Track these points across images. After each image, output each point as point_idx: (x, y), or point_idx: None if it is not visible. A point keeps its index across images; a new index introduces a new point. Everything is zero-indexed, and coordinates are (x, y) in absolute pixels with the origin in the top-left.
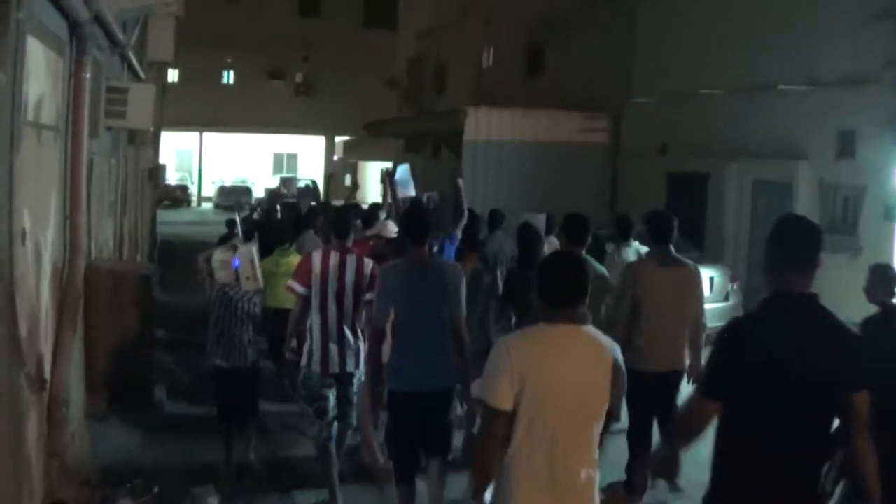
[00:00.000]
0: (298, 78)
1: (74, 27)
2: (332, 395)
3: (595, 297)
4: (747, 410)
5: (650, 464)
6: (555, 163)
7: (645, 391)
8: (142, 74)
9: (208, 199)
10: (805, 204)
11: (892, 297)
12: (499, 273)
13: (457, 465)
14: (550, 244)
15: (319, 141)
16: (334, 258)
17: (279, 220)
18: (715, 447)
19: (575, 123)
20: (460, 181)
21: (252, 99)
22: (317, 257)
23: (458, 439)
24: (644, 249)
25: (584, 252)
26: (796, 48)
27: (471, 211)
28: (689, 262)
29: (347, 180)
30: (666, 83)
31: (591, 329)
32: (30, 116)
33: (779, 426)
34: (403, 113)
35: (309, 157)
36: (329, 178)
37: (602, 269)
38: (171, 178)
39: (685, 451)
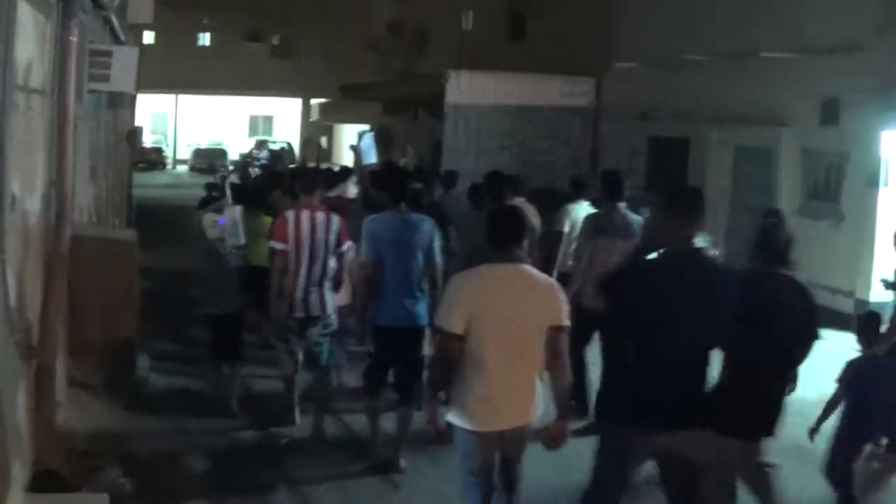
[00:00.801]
0: (275, 40)
1: None
2: (298, 337)
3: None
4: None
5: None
6: (537, 126)
7: (590, 327)
8: (122, 37)
9: (184, 162)
10: (787, 171)
11: (785, 265)
12: (451, 230)
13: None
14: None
15: (296, 103)
16: (305, 215)
17: (255, 181)
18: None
19: (557, 87)
20: (410, 149)
21: (229, 61)
22: (291, 216)
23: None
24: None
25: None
26: (781, 15)
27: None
28: (636, 216)
29: (324, 143)
30: (649, 48)
31: (527, 267)
32: (19, 80)
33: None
34: (383, 76)
35: (285, 119)
36: (306, 142)
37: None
38: (147, 140)
39: None
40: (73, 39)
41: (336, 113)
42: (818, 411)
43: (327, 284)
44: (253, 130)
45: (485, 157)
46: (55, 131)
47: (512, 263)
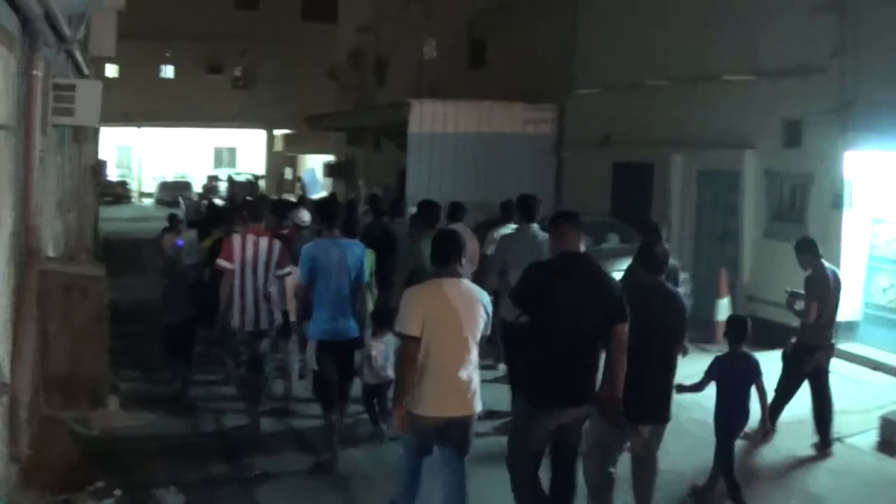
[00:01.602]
0: (237, 71)
1: (25, 23)
2: (248, 347)
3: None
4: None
5: None
6: (500, 154)
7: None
8: (86, 70)
9: (149, 195)
10: (752, 193)
11: (661, 274)
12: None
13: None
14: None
15: (259, 135)
16: (250, 240)
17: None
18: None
19: (519, 115)
20: (361, 182)
21: (191, 93)
22: (237, 239)
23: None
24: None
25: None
26: (742, 38)
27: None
28: (543, 233)
29: (287, 174)
30: (609, 74)
31: (466, 281)
32: None
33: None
34: (344, 106)
35: (249, 150)
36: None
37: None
38: (112, 173)
39: None
40: (38, 73)
41: (300, 144)
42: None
43: (272, 302)
44: (217, 162)
45: (448, 184)
46: (21, 166)
47: (453, 278)
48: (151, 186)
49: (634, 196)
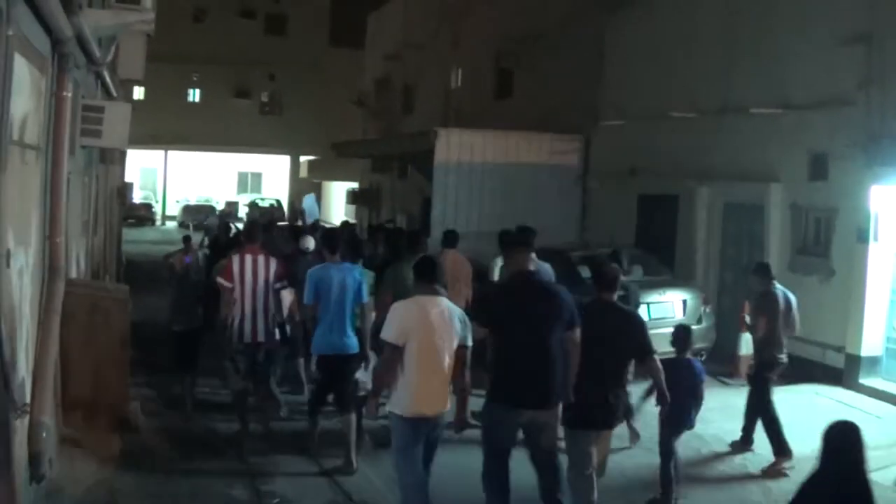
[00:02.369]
0: (264, 97)
1: (56, 44)
2: (246, 358)
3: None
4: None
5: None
6: (525, 184)
7: None
8: (114, 92)
9: (172, 218)
10: (776, 226)
11: (612, 292)
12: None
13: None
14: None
15: (284, 160)
16: (248, 259)
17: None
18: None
19: (545, 145)
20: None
21: (217, 117)
22: (236, 259)
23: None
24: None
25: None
26: (768, 71)
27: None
28: (540, 262)
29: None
30: (636, 106)
31: (443, 299)
32: (14, 135)
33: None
34: (369, 133)
35: (274, 176)
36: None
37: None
38: (136, 196)
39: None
40: (68, 94)
41: (324, 170)
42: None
43: (270, 316)
44: (242, 187)
45: (475, 214)
46: (48, 187)
47: (433, 295)
48: (175, 209)
49: (660, 228)
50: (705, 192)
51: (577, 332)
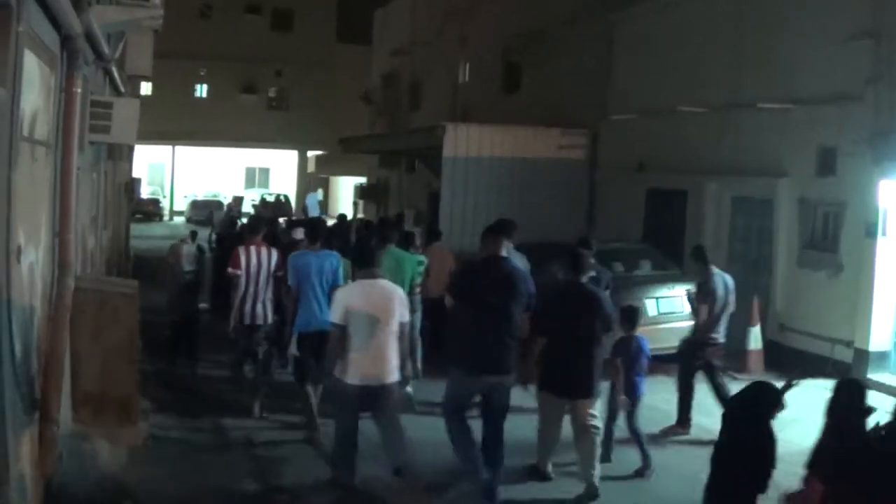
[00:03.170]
0: (271, 92)
1: (66, 40)
2: (246, 338)
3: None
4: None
5: None
6: (533, 179)
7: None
8: (122, 88)
9: (180, 214)
10: (785, 221)
11: (582, 275)
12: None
13: None
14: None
15: (292, 155)
16: (252, 249)
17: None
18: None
19: (553, 140)
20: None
21: (225, 112)
22: (242, 250)
23: None
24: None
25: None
26: (777, 66)
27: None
28: (517, 252)
29: (320, 195)
30: (644, 100)
31: (383, 281)
32: (25, 132)
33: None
34: (377, 128)
35: (281, 171)
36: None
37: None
38: (144, 191)
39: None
40: (77, 91)
41: (332, 165)
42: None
43: (269, 301)
44: (249, 182)
45: (482, 208)
46: (58, 183)
47: (373, 278)
48: (183, 205)
49: (667, 222)
50: (713, 186)
51: (529, 315)
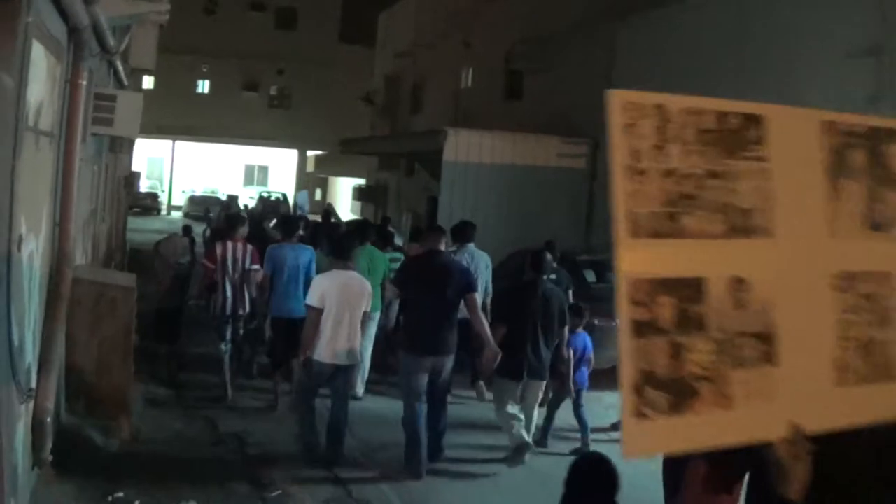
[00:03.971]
0: (273, 90)
1: (73, 32)
2: (229, 327)
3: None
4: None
5: None
6: (533, 186)
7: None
8: (125, 81)
9: (178, 208)
10: None
11: (542, 273)
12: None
13: None
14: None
15: (292, 154)
16: (230, 245)
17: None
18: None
19: (554, 148)
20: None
21: (226, 109)
22: (219, 246)
23: None
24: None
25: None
26: (778, 83)
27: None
28: (479, 251)
29: (317, 195)
30: None
31: (352, 272)
32: (30, 121)
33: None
34: (378, 130)
35: (280, 169)
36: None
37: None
38: (143, 185)
39: None
40: (83, 83)
41: (332, 165)
42: None
43: (246, 292)
44: (248, 179)
45: (481, 213)
46: (60, 173)
47: (344, 269)
48: (181, 200)
49: None
50: None
51: (475, 297)
